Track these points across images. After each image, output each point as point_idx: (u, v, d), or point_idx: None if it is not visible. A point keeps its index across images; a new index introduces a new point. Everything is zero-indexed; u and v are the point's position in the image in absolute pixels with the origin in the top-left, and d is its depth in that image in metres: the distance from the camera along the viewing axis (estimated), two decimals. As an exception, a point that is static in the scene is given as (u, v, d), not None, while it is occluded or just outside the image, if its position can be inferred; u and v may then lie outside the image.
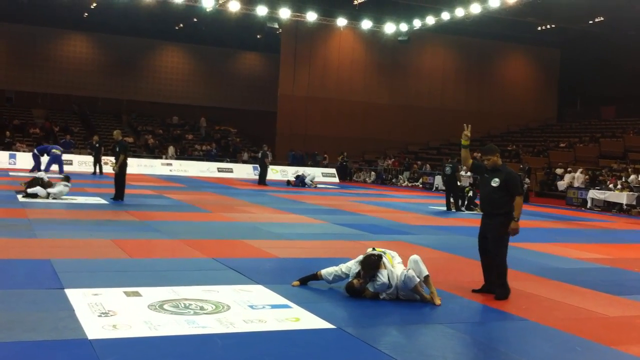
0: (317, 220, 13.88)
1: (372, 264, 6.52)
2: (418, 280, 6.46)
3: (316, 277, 6.94)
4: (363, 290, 6.54)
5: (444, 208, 18.42)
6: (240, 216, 13.86)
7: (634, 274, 9.22)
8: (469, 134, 7.43)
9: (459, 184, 19.12)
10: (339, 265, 6.90)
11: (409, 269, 6.54)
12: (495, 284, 7.04)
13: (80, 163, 30.34)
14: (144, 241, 9.60)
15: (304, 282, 6.97)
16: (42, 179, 15.25)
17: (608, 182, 24.27)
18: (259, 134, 40.43)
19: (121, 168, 15.33)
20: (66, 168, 26.70)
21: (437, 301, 6.47)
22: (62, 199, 14.69)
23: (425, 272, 6.56)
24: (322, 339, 5.16)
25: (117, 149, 15.72)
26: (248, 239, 10.32)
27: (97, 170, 27.09)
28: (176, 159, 34.95)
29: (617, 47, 37.16)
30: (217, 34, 39.47)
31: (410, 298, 6.50)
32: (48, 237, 9.38)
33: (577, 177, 25.79)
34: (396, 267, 6.69)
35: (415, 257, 6.70)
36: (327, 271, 6.88)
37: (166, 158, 34.67)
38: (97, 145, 27.68)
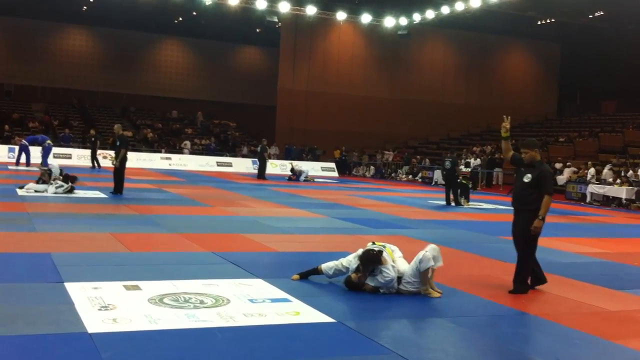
0: (316, 214, 13.88)
1: (370, 258, 6.50)
2: (432, 264, 6.44)
3: (317, 271, 6.94)
4: (362, 285, 6.53)
5: (444, 202, 18.41)
6: (239, 210, 13.86)
7: (633, 268, 9.22)
8: (508, 126, 7.33)
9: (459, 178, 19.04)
10: (339, 259, 6.89)
11: (426, 250, 6.52)
12: (514, 279, 7.03)
13: (79, 157, 30.38)
14: (143, 235, 9.59)
15: (305, 277, 6.95)
16: (50, 173, 15.13)
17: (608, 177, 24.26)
18: (259, 128, 40.40)
19: (121, 162, 15.32)
20: (65, 162, 26.80)
21: (436, 294, 6.48)
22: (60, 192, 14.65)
23: (440, 264, 6.55)
24: (322, 333, 5.16)
25: (118, 143, 15.67)
26: (248, 233, 10.32)
27: (95, 164, 27.06)
28: (191, 153, 35.12)
29: (618, 41, 37.07)
30: (216, 28, 39.41)
31: (411, 290, 6.48)
32: (48, 231, 9.37)
33: (606, 174, 24.46)
34: (397, 261, 6.69)
35: (435, 246, 6.64)
36: (328, 265, 6.88)
37: (166, 154, 34.75)
38: (93, 139, 27.63)
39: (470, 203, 18.37)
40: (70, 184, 15.04)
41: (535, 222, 6.86)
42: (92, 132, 28.70)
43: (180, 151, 35.62)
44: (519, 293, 6.90)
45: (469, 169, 19.14)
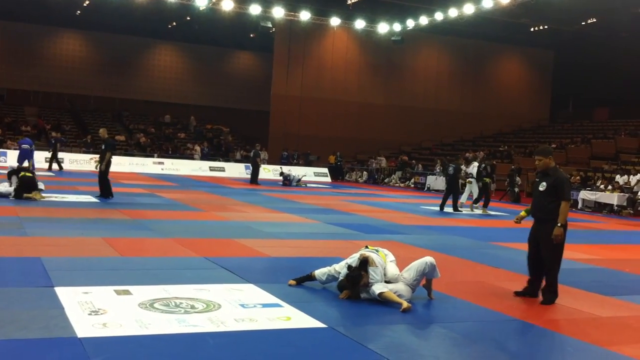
0: (309, 219, 13.86)
1: (354, 281, 6.37)
2: (439, 275, 6.64)
3: (310, 277, 6.92)
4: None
5: (437, 208, 18.37)
6: (232, 215, 13.82)
7: (625, 275, 9.24)
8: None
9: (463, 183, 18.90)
10: (332, 265, 6.87)
11: (432, 261, 6.59)
12: (545, 289, 6.96)
13: (71, 161, 30.27)
14: (135, 239, 9.55)
15: (299, 283, 6.93)
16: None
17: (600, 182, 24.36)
18: (252, 133, 40.40)
19: (107, 165, 15.22)
20: (56, 165, 26.76)
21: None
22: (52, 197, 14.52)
23: (438, 276, 6.71)
24: (314, 338, 5.14)
25: (103, 147, 15.61)
26: (240, 238, 10.28)
27: (56, 166, 26.98)
28: (201, 159, 35.04)
29: (610, 48, 37.29)
30: (210, 33, 39.41)
31: (388, 300, 6.31)
32: (38, 235, 9.32)
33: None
34: (388, 265, 6.68)
35: (432, 259, 6.64)
36: (321, 271, 6.86)
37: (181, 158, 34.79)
38: (53, 141, 27.54)
39: (487, 210, 17.88)
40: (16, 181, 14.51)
41: (554, 229, 6.78)
42: (55, 134, 28.54)
43: (172, 156, 35.52)
44: (549, 303, 6.83)
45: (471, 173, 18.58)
